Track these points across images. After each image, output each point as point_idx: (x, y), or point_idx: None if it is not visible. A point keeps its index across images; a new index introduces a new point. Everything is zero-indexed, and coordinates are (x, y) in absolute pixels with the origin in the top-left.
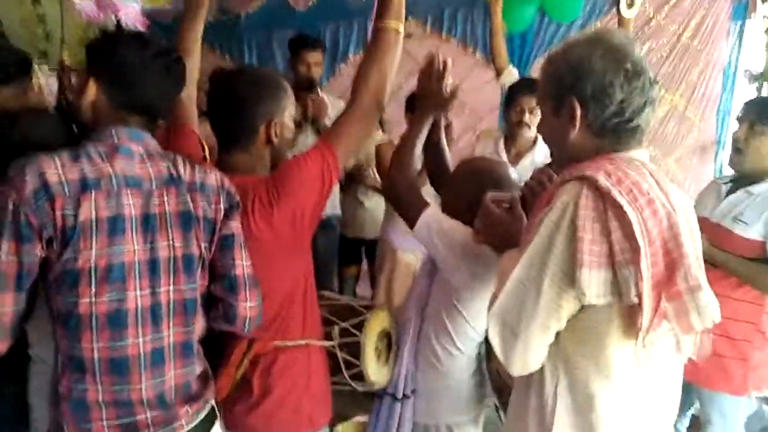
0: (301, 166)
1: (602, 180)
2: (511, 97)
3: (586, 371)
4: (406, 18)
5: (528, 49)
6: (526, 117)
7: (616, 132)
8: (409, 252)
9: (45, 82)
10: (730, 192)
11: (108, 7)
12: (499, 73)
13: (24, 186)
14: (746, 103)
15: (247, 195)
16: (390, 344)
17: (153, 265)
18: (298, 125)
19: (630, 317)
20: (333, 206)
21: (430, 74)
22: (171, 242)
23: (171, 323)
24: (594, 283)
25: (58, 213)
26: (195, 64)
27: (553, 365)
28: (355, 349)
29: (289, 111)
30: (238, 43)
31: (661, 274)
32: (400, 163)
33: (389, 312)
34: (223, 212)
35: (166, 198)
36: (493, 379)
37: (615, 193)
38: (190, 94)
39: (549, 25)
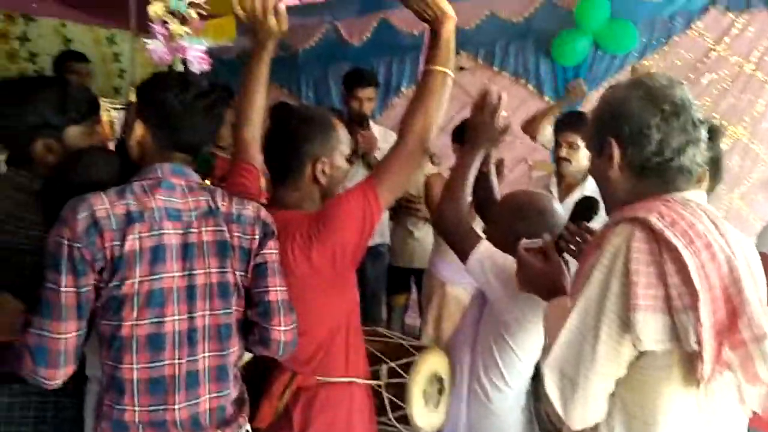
0: (343, 204)
1: (655, 221)
2: (555, 133)
3: (644, 421)
4: (458, 52)
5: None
6: (564, 151)
7: (659, 172)
8: (458, 286)
9: (115, 118)
10: None
11: (176, 49)
12: (532, 138)
13: (76, 224)
14: None
15: (288, 230)
16: (442, 389)
17: (190, 291)
18: (349, 160)
19: (690, 365)
20: (382, 235)
21: (484, 107)
22: (207, 269)
23: (206, 347)
24: (650, 328)
25: (107, 245)
26: (260, 104)
27: (608, 414)
28: (401, 391)
29: (340, 151)
30: (296, 77)
31: (723, 321)
32: (452, 197)
33: (443, 355)
34: (258, 241)
35: (204, 228)
36: (542, 424)
37: (669, 234)
38: (254, 134)
39: (603, 58)
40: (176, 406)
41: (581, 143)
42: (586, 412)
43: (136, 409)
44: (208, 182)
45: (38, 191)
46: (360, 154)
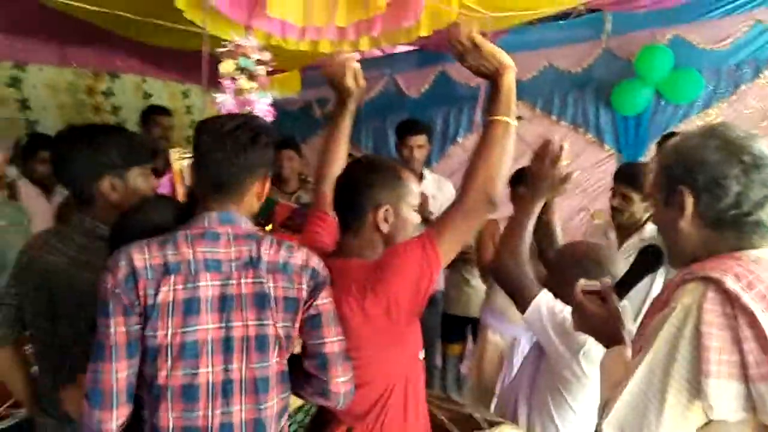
0: (400, 254)
1: (731, 283)
2: (613, 181)
3: None
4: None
5: (643, 132)
6: (617, 202)
7: (736, 226)
8: (497, 333)
9: (185, 167)
10: None
11: (244, 102)
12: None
13: (117, 271)
14: None
15: (346, 278)
16: None
17: (227, 344)
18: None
19: None
20: (436, 282)
21: (545, 157)
22: (245, 322)
23: (243, 400)
24: (724, 397)
25: (141, 293)
26: (341, 158)
27: None
28: None
29: (406, 201)
30: (356, 128)
31: None
32: (510, 247)
33: (517, 430)
34: (307, 291)
35: (243, 280)
36: None
37: (746, 298)
38: (332, 186)
39: (666, 107)
40: None
41: (636, 197)
42: None
43: None
44: (269, 228)
45: (108, 237)
46: None
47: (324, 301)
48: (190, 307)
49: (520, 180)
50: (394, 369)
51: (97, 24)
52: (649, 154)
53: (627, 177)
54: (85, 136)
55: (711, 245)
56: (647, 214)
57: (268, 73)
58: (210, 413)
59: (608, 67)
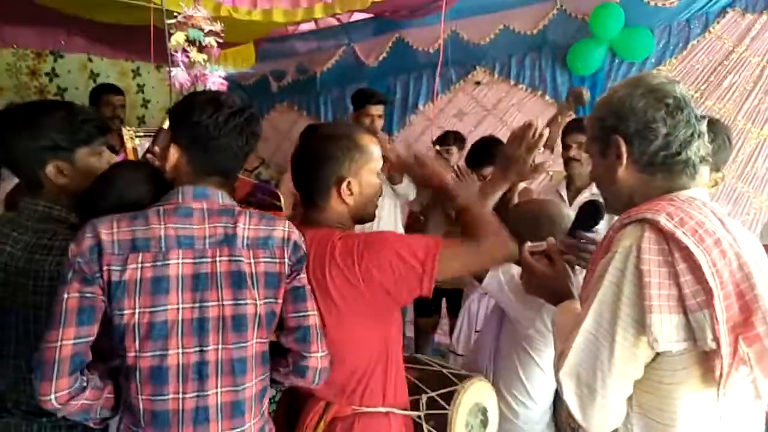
0: (399, 237)
1: (664, 221)
2: (563, 139)
3: (662, 422)
4: (474, 67)
5: (599, 91)
6: (573, 152)
7: (666, 166)
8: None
9: (139, 145)
10: None
11: (197, 76)
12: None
13: (82, 243)
14: None
15: (323, 248)
16: (486, 421)
17: (200, 324)
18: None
19: (707, 364)
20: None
21: (522, 140)
22: (221, 302)
23: (219, 382)
24: (666, 329)
25: (105, 269)
26: None
27: (626, 417)
28: (442, 422)
29: (369, 168)
30: (314, 100)
31: (737, 317)
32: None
33: (487, 384)
34: (289, 265)
35: (218, 258)
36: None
37: (679, 234)
38: None
39: (621, 65)
40: None
41: None
42: (606, 417)
43: None
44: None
45: (64, 218)
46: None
47: (305, 274)
48: (159, 286)
49: (482, 161)
50: (378, 340)
51: (37, 1)
52: None
53: (578, 127)
54: (24, 118)
55: (645, 189)
56: None
57: (220, 46)
58: (180, 396)
59: (563, 28)
